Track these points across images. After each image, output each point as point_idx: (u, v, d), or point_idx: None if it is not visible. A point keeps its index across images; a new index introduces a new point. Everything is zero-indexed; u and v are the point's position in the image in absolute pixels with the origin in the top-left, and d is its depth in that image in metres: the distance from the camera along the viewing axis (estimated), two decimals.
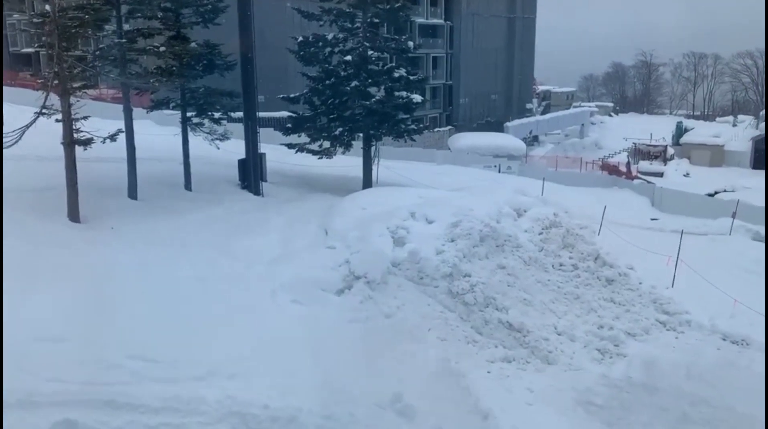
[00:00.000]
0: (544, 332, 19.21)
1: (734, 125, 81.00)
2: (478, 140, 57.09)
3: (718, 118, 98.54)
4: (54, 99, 19.09)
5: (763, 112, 79.94)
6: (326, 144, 30.39)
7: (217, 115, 26.89)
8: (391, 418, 11.71)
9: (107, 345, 11.90)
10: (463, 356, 17.26)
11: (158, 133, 30.92)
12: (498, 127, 65.78)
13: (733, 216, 32.54)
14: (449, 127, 63.39)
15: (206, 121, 26.68)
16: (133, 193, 23.07)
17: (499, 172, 45.05)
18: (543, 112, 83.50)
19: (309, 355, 13.19)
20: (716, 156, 62.16)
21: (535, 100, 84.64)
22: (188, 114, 26.51)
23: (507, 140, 59.12)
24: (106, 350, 11.71)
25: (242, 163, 28.42)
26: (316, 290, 17.17)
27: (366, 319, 16.38)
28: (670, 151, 63.72)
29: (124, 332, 12.66)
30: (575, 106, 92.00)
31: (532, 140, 69.05)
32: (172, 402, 10.40)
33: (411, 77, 31.16)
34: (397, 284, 18.98)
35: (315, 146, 30.47)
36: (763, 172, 57.06)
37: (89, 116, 19.96)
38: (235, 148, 28.76)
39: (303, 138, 30.67)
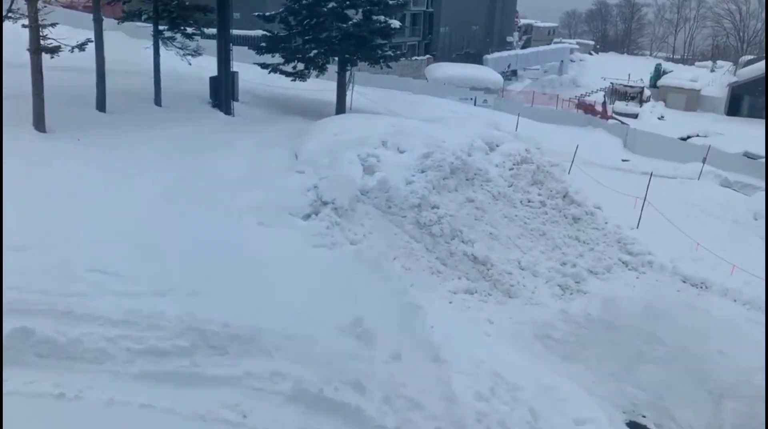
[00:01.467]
0: (507, 266, 19.57)
1: (712, 71, 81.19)
2: (456, 71, 56.43)
3: (697, 63, 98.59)
4: (21, 3, 18.41)
5: (742, 58, 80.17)
6: (300, 66, 29.83)
7: (190, 30, 26.15)
8: (351, 342, 11.88)
9: (67, 257, 11.77)
10: (426, 286, 17.55)
11: (129, 46, 30.05)
12: (477, 59, 65.01)
13: (704, 161, 33.00)
14: (427, 56, 62.42)
15: (179, 36, 25.95)
16: (101, 105, 22.53)
17: (475, 104, 44.78)
18: (523, 47, 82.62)
19: (272, 278, 13.23)
20: (692, 100, 62.45)
21: (516, 34, 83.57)
22: (160, 27, 25.72)
23: (485, 73, 58.54)
24: (66, 262, 11.58)
25: (214, 81, 27.84)
26: (283, 214, 17.12)
27: (332, 244, 16.43)
28: (647, 92, 63.82)
29: (85, 245, 12.53)
30: (556, 42, 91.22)
31: (511, 74, 68.55)
32: (130, 315, 10.40)
33: (390, 1, 30.44)
34: (365, 212, 19.03)
35: (289, 68, 29.90)
36: (737, 119, 57.69)
37: (57, 24, 19.30)
38: (208, 65, 28.14)
39: (277, 58, 30.03)
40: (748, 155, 37.25)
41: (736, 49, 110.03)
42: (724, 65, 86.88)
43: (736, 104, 61.21)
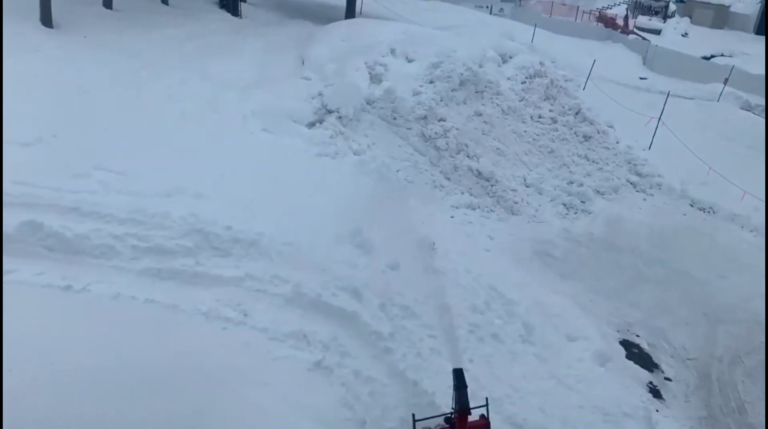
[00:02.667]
0: (512, 183, 19.94)
1: None
2: None
3: None
4: None
5: None
6: None
7: None
8: (349, 250, 12.49)
9: (76, 154, 12.22)
10: (428, 199, 18.02)
11: None
12: None
13: (725, 82, 32.73)
14: None
15: None
16: (108, 2, 22.45)
17: (491, 13, 44.02)
18: None
19: (275, 184, 13.71)
20: (719, 17, 60.76)
21: None
22: None
23: None
24: (74, 159, 12.05)
25: None
26: (287, 121, 17.43)
27: (335, 154, 16.82)
28: (673, 7, 62.10)
29: (93, 143, 12.95)
30: None
31: None
32: (137, 214, 10.98)
33: None
34: (370, 122, 19.30)
35: None
36: (764, 38, 56.47)
37: None
38: None
39: None
40: None
41: None
42: None
43: (766, 22, 59.79)
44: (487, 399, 9.91)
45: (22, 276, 9.21)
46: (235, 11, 26.95)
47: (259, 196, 12.96)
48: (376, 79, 20.62)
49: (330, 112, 18.56)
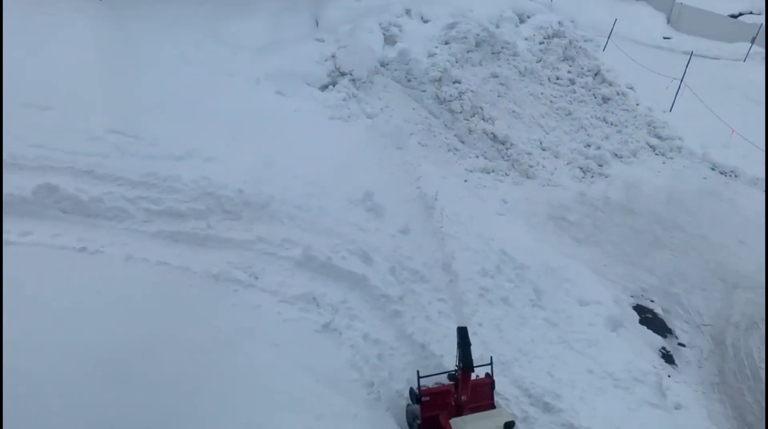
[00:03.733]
0: (528, 146, 20.06)
1: None
2: None
3: None
4: None
5: None
6: None
7: None
8: (361, 214, 12.78)
9: (90, 118, 12.52)
10: (442, 163, 18.20)
11: None
12: None
13: (753, 41, 32.31)
14: None
15: None
16: None
17: None
18: None
19: (286, 148, 13.95)
20: None
21: None
22: None
23: None
24: (88, 122, 12.36)
25: None
26: (301, 83, 17.62)
27: (348, 117, 17.02)
28: None
29: (107, 106, 13.23)
30: None
31: None
32: (149, 178, 11.31)
33: None
34: (384, 84, 19.44)
35: None
36: None
37: None
38: None
39: None
40: None
41: None
42: None
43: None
44: (491, 358, 10.25)
45: (39, 238, 9.60)
46: None
47: (271, 160, 13.24)
48: (390, 40, 20.68)
49: (343, 74, 18.70)
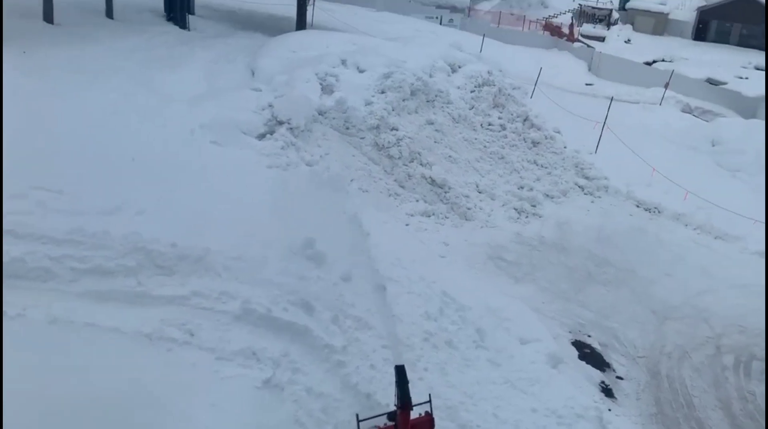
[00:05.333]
0: (465, 189, 19.75)
1: None
2: None
3: None
4: None
5: None
6: None
7: None
8: (301, 262, 12.00)
9: (12, 174, 11.43)
10: (383, 208, 17.66)
11: None
12: None
13: (666, 86, 33.09)
14: None
15: None
16: (49, 16, 21.49)
17: (441, 24, 43.91)
18: None
19: (224, 198, 13.13)
20: (660, 24, 61.77)
21: None
22: None
23: None
24: (10, 179, 11.29)
25: None
26: (237, 132, 16.85)
27: (286, 165, 16.31)
28: (615, 15, 63.01)
29: (31, 162, 12.17)
30: None
31: None
32: (75, 235, 10.33)
33: None
34: (322, 133, 18.86)
35: None
36: (703, 44, 57.65)
37: None
38: None
39: None
40: (711, 81, 37.38)
41: None
42: None
43: (703, 29, 60.78)
44: (430, 395, 9.60)
45: None
46: (182, 23, 26.21)
47: (207, 211, 12.39)
48: (327, 89, 20.21)
49: (281, 123, 18.05)
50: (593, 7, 63.15)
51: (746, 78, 39.63)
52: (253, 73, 20.83)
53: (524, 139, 22.68)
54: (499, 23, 49.67)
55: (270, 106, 18.48)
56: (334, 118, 19.42)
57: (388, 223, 16.60)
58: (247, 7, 31.67)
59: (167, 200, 12.20)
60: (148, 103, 16.55)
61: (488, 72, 24.17)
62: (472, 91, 23.18)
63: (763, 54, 53.07)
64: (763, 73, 43.13)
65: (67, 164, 12.37)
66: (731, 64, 45.16)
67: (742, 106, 33.27)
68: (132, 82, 17.64)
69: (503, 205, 19.95)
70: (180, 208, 12.10)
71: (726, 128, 28.03)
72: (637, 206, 21.67)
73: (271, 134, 17.64)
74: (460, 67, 24.05)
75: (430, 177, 19.39)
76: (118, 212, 11.31)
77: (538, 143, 22.71)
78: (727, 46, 57.84)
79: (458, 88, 23.03)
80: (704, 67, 41.22)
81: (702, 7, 61.64)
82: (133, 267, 10.23)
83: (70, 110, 14.86)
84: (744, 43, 57.93)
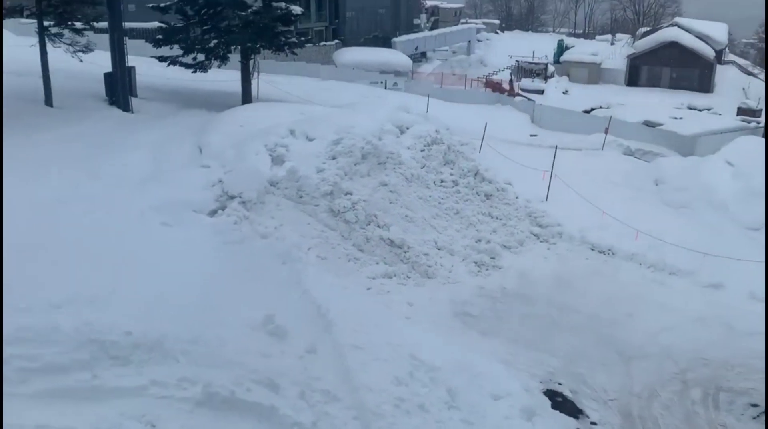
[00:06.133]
0: (424, 247, 19.61)
1: (612, 44, 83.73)
2: (364, 55, 56.03)
3: (597, 37, 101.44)
4: None
5: (639, 30, 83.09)
6: (200, 57, 28.89)
7: (78, 24, 24.86)
8: (263, 339, 11.55)
9: None
10: (343, 274, 17.36)
11: (16, 44, 28.36)
12: (386, 42, 64.78)
13: (606, 132, 33.92)
14: (335, 41, 61.82)
15: (67, 32, 24.61)
16: None
17: (386, 88, 44.67)
18: (431, 29, 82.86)
19: (178, 279, 12.70)
20: (594, 73, 64.37)
21: (423, 16, 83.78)
22: (46, 23, 24.32)
23: (394, 56, 58.40)
24: None
25: (109, 77, 26.65)
26: (188, 211, 16.49)
27: (241, 240, 15.95)
28: (551, 68, 65.30)
29: None
30: (463, 23, 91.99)
31: (420, 56, 68.63)
32: (23, 332, 9.71)
33: None
34: (276, 204, 18.63)
35: (189, 59, 28.92)
36: (636, 89, 59.84)
37: None
38: (102, 61, 26.84)
39: (176, 50, 28.98)
40: (648, 124, 38.59)
41: (633, 22, 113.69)
42: (623, 38, 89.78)
43: (634, 75, 63.43)
44: None
45: None
46: (125, 106, 26.02)
47: (161, 294, 11.92)
48: (277, 160, 20.08)
49: (232, 197, 17.77)
50: (530, 63, 65.49)
51: (681, 118, 41.04)
52: (201, 150, 20.63)
53: (477, 193, 22.82)
54: (442, 83, 50.85)
55: (220, 181, 18.23)
56: (286, 188, 19.24)
57: (349, 288, 16.27)
58: (190, 85, 31.63)
59: (119, 287, 11.70)
60: (93, 189, 16.11)
61: (436, 131, 24.41)
62: (422, 151, 23.32)
63: (693, 94, 55.39)
64: (696, 112, 44.81)
65: (11, 258, 11.79)
66: (665, 105, 46.91)
67: (679, 145, 34.26)
68: (76, 170, 17.22)
69: (463, 260, 19.86)
70: (133, 294, 11.60)
71: (667, 167, 28.77)
72: (592, 249, 21.81)
73: (223, 210, 17.33)
74: (408, 128, 24.23)
75: (389, 238, 19.23)
76: (68, 304, 10.74)
77: (490, 196, 22.87)
78: (659, 89, 60.28)
79: (408, 148, 23.15)
80: (640, 110, 42.62)
81: (632, 54, 64.34)
82: (86, 360, 9.65)
83: (11, 203, 14.25)
84: (674, 85, 60.61)
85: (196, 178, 18.39)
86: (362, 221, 19.41)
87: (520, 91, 52.90)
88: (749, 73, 69.05)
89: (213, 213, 17.13)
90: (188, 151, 20.55)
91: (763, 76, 64.89)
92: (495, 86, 52.51)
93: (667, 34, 63.83)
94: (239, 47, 29.71)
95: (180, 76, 30.63)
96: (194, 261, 13.91)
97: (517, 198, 23.29)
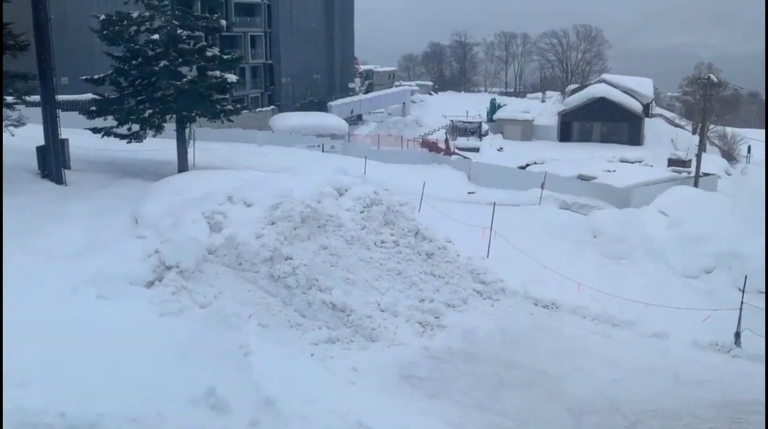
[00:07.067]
0: (367, 310, 19.55)
1: (543, 101, 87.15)
2: (300, 120, 56.74)
3: (528, 95, 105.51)
4: None
5: (568, 88, 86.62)
6: (135, 127, 28.73)
7: (9, 99, 24.50)
8: (204, 414, 11.24)
9: None
10: (285, 341, 17.08)
11: None
12: (322, 106, 65.77)
13: (542, 187, 34.86)
14: (271, 107, 62.43)
15: None
16: None
17: (323, 151, 45.12)
18: (366, 91, 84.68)
19: (114, 355, 12.32)
20: (527, 130, 66.49)
21: (357, 80, 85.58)
22: None
23: (330, 119, 59.29)
24: None
25: (41, 151, 26.16)
26: (124, 284, 16.15)
27: (179, 311, 15.66)
28: (485, 127, 67.25)
29: None
30: (397, 85, 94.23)
31: (356, 119, 69.81)
32: None
33: (225, 56, 30.16)
34: (214, 272, 18.40)
35: (123, 130, 28.72)
36: (568, 144, 62.00)
37: None
38: (35, 135, 26.38)
39: (110, 121, 28.77)
40: (582, 177, 39.91)
41: (561, 80, 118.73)
42: (553, 95, 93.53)
43: (566, 131, 65.83)
44: None
45: None
46: (59, 179, 25.52)
47: (97, 371, 11.54)
48: (215, 227, 19.94)
49: (169, 268, 17.48)
50: (464, 122, 67.33)
51: (614, 171, 42.58)
52: (137, 221, 20.34)
53: (418, 252, 22.98)
54: (379, 145, 51.69)
55: (157, 252, 17.94)
56: (225, 256, 19.05)
57: (292, 356, 16.01)
58: (125, 155, 31.28)
59: (53, 366, 11.31)
60: (26, 264, 15.67)
61: (375, 192, 24.70)
62: (361, 212, 23.51)
63: (624, 147, 57.70)
64: (629, 164, 46.66)
65: None
66: (598, 159, 48.64)
67: (614, 197, 35.42)
68: (8, 244, 16.70)
69: (407, 321, 19.83)
70: (68, 372, 11.21)
71: (604, 219, 29.70)
72: (535, 304, 22.09)
73: (160, 281, 17.03)
74: (347, 190, 24.45)
75: (331, 302, 19.12)
76: None
77: (432, 255, 23.06)
78: (590, 143, 62.59)
79: (348, 210, 23.31)
80: (573, 165, 44.09)
81: (562, 111, 66.83)
82: None
83: None
84: (605, 139, 63.11)
85: (132, 249, 18.07)
86: (303, 286, 19.28)
87: (456, 150, 54.16)
88: (676, 125, 72.61)
89: (150, 284, 16.81)
90: (123, 222, 20.23)
91: (689, 127, 68.32)
92: (431, 146, 53.67)
93: (596, 90, 66.74)
94: (175, 116, 29.70)
95: (115, 147, 30.28)
96: (131, 335, 13.53)
97: (458, 256, 23.53)
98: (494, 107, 73.74)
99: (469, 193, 36.11)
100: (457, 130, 65.81)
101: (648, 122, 66.77)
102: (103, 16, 28.32)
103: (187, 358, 13.08)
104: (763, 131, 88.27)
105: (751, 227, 28.59)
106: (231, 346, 14.53)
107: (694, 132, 62.71)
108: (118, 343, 12.91)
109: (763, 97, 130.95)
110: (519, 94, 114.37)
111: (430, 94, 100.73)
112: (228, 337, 14.99)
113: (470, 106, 75.48)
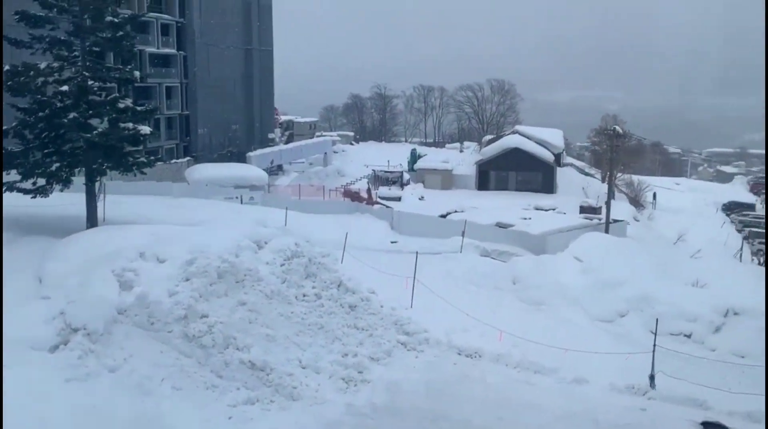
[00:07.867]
0: (288, 367, 18.96)
1: (461, 151, 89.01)
2: (218, 171, 55.75)
3: (447, 145, 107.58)
4: None
5: (484, 138, 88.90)
6: (41, 181, 27.44)
7: None
8: None
9: None
10: (201, 404, 16.35)
11: None
12: (241, 157, 65.01)
13: (463, 235, 35.19)
14: (187, 158, 61.27)
15: None
16: None
17: (242, 203, 44.32)
18: (287, 142, 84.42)
19: (15, 427, 11.40)
20: (446, 180, 67.58)
21: (278, 130, 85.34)
22: None
23: (249, 170, 58.53)
24: None
25: None
26: (25, 349, 15.15)
27: (86, 376, 14.76)
28: (406, 176, 68.06)
29: None
30: (318, 136, 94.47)
31: (276, 169, 69.26)
32: None
33: (138, 108, 29.40)
34: (125, 333, 17.48)
35: (28, 184, 27.38)
36: (486, 193, 63.28)
37: None
38: None
39: (13, 176, 27.40)
40: (500, 225, 40.59)
41: (478, 130, 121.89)
42: (471, 145, 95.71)
43: (484, 179, 67.25)
44: None
45: None
46: None
47: None
48: (126, 285, 19.02)
49: (75, 330, 16.48)
50: (386, 171, 67.92)
51: (529, 218, 43.56)
52: (41, 280, 19.22)
53: (341, 305, 22.59)
54: (300, 195, 51.31)
55: (62, 313, 16.92)
56: (136, 315, 18.15)
57: (209, 420, 15.33)
58: (30, 211, 29.76)
59: None
60: None
61: (296, 244, 24.19)
62: (282, 265, 22.95)
63: (538, 195, 59.33)
64: (543, 211, 47.89)
65: None
66: (514, 207, 49.74)
67: (530, 244, 36.07)
68: None
69: (330, 377, 19.32)
70: None
71: (522, 266, 30.20)
72: (459, 354, 22.00)
73: (65, 344, 16.03)
74: (266, 243, 23.88)
75: (249, 361, 18.43)
76: None
77: (355, 307, 22.71)
78: (507, 192, 64.08)
79: (267, 263, 22.71)
80: (491, 212, 44.88)
81: (479, 161, 68.32)
82: None
83: None
84: (521, 187, 64.72)
85: (35, 311, 17.03)
86: (220, 345, 18.55)
87: (378, 199, 54.34)
88: (586, 174, 75.43)
89: (54, 348, 15.82)
90: (26, 282, 19.09)
91: (599, 176, 71.00)
92: (353, 195, 53.71)
93: (510, 141, 68.65)
94: (84, 169, 28.56)
95: (18, 202, 28.77)
96: (34, 404, 12.66)
97: (381, 307, 23.27)
98: (415, 157, 74.78)
99: (392, 242, 36.06)
100: (379, 179, 66.27)
101: (560, 171, 69.03)
102: (7, 67, 27.22)
103: (95, 428, 12.24)
104: (666, 179, 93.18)
105: (660, 271, 29.62)
106: (143, 412, 13.76)
107: (603, 180, 65.26)
108: (20, 414, 12.02)
109: (665, 148, 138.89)
110: (438, 144, 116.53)
111: (352, 144, 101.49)
112: (139, 402, 14.18)
113: (391, 156, 76.25)
